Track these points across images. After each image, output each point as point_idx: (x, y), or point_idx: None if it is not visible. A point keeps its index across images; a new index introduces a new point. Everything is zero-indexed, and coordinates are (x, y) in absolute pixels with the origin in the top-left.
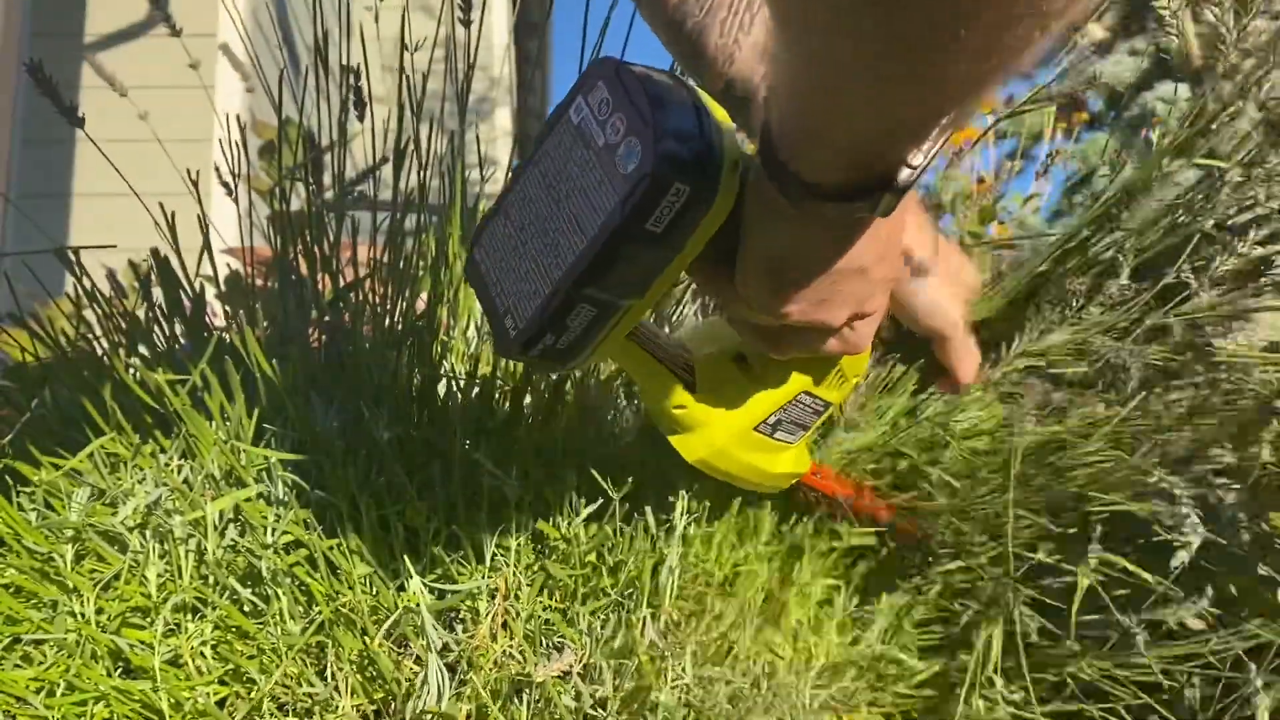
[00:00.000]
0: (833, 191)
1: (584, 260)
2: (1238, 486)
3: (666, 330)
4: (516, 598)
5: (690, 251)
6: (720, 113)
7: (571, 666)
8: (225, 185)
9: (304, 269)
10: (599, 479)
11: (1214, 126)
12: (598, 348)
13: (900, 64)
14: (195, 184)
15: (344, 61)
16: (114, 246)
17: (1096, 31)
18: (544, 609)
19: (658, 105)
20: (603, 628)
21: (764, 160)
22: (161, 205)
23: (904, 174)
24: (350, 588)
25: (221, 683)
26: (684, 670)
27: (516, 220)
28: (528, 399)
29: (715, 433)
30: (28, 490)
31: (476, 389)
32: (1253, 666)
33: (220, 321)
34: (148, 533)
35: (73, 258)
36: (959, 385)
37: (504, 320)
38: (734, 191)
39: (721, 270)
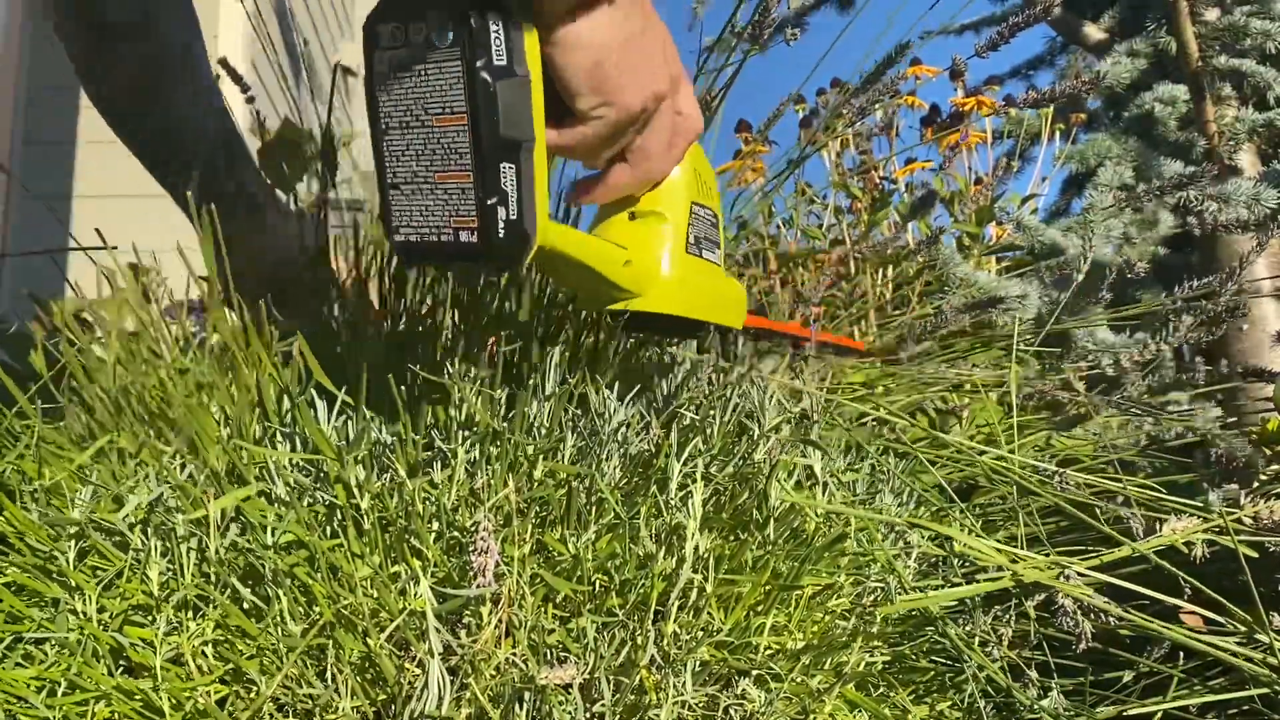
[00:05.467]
0: None
1: (480, 123)
2: None
3: None
4: (520, 606)
5: (535, 73)
6: None
7: (573, 679)
8: None
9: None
10: (608, 496)
11: None
12: (537, 215)
13: None
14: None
15: (344, 63)
16: (114, 248)
17: (1095, 32)
18: (550, 619)
19: None
20: (609, 645)
21: None
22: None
23: None
24: (352, 590)
25: (222, 682)
26: (685, 687)
27: (405, 183)
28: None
29: (667, 272)
30: (30, 488)
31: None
32: None
33: None
34: (150, 531)
35: (90, 257)
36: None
37: (459, 238)
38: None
39: (565, 125)
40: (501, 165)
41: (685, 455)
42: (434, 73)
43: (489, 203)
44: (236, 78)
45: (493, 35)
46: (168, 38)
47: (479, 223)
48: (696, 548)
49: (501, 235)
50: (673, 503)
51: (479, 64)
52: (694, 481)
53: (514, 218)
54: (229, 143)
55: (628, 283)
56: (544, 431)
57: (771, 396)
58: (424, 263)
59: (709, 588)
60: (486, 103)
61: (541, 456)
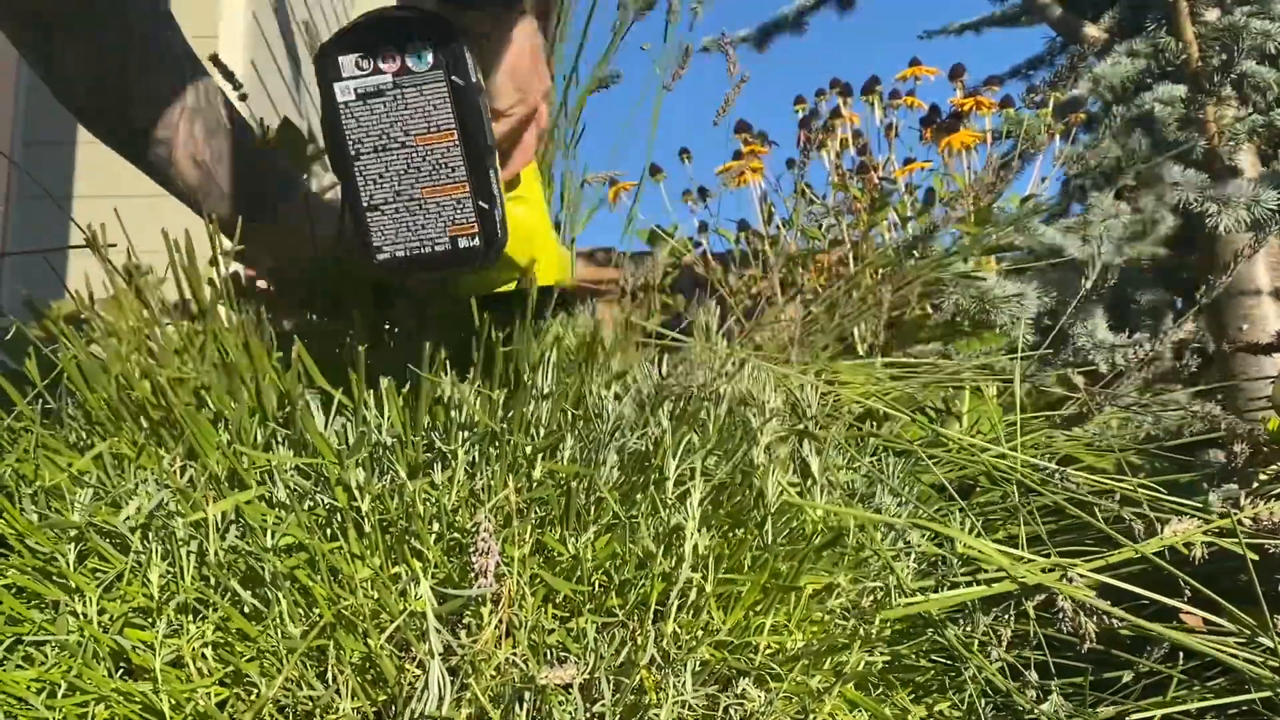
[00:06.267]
0: None
1: (471, 136)
2: None
3: None
4: (520, 606)
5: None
6: None
7: (573, 679)
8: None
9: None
10: (606, 495)
11: None
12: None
13: None
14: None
15: None
16: (114, 246)
17: (1095, 32)
18: (550, 619)
19: (399, 18)
20: (608, 645)
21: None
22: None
23: None
24: (352, 591)
25: (222, 684)
26: (685, 687)
27: (385, 203)
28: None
29: (552, 248)
30: (29, 490)
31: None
32: None
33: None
34: (150, 534)
35: (107, 259)
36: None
37: (457, 245)
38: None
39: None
40: (489, 171)
41: (681, 451)
42: (412, 94)
43: (484, 206)
44: (228, 75)
45: (467, 55)
46: None
47: (480, 227)
48: (695, 547)
49: (499, 234)
50: (670, 501)
51: (461, 81)
52: (692, 480)
53: (502, 216)
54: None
55: (523, 261)
56: (543, 431)
57: (770, 389)
58: (412, 275)
59: (708, 587)
60: (474, 117)
61: (540, 456)
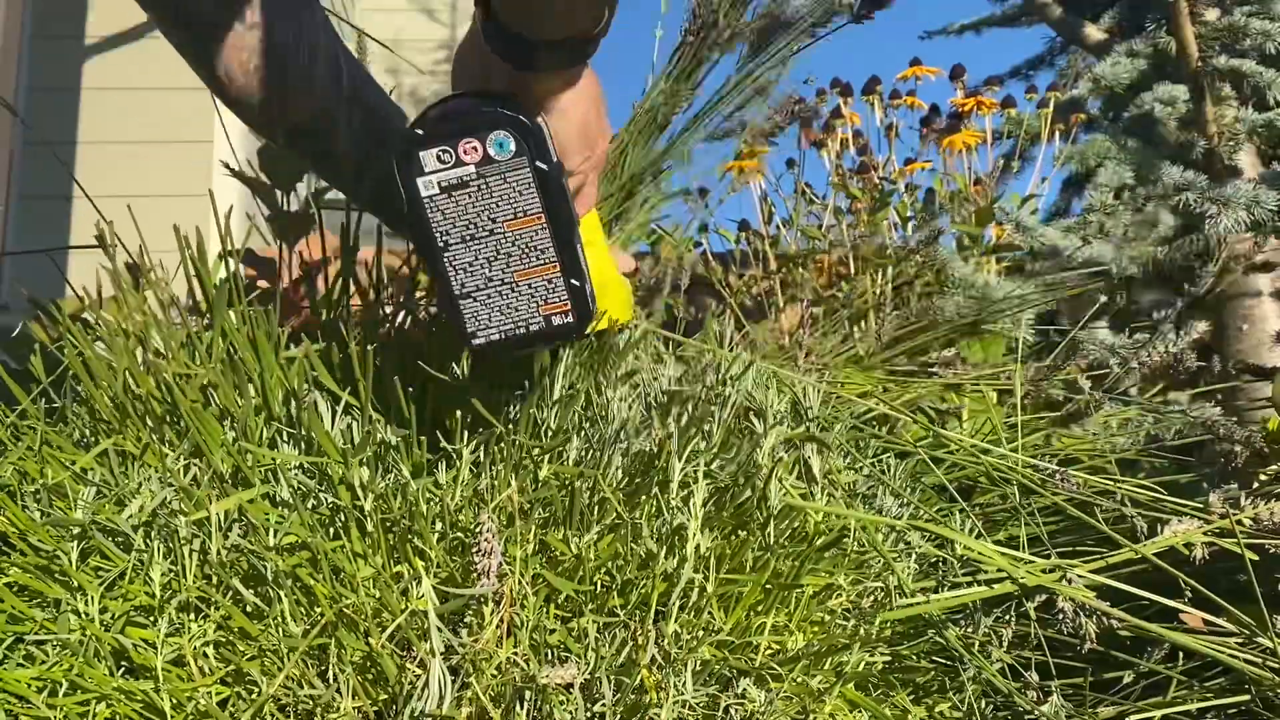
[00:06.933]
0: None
1: (559, 217)
2: None
3: None
4: (522, 606)
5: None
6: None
7: (574, 679)
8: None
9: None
10: (612, 499)
11: None
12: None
13: None
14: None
15: None
16: (116, 246)
17: (1094, 33)
18: (551, 619)
19: (475, 107)
20: (610, 645)
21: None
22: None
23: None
24: (354, 590)
25: (223, 683)
26: (685, 687)
27: (478, 290)
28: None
29: (621, 289)
30: (31, 488)
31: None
32: None
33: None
34: (153, 532)
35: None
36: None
37: (551, 323)
38: None
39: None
40: (576, 247)
41: (686, 453)
42: (496, 183)
43: (575, 284)
44: None
45: (547, 137)
46: None
47: (573, 304)
48: (698, 547)
49: (590, 308)
50: (674, 503)
51: (545, 166)
52: (695, 481)
53: (592, 290)
54: None
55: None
56: (550, 433)
57: (775, 393)
58: (507, 354)
59: (710, 587)
60: (559, 197)
61: (547, 458)
